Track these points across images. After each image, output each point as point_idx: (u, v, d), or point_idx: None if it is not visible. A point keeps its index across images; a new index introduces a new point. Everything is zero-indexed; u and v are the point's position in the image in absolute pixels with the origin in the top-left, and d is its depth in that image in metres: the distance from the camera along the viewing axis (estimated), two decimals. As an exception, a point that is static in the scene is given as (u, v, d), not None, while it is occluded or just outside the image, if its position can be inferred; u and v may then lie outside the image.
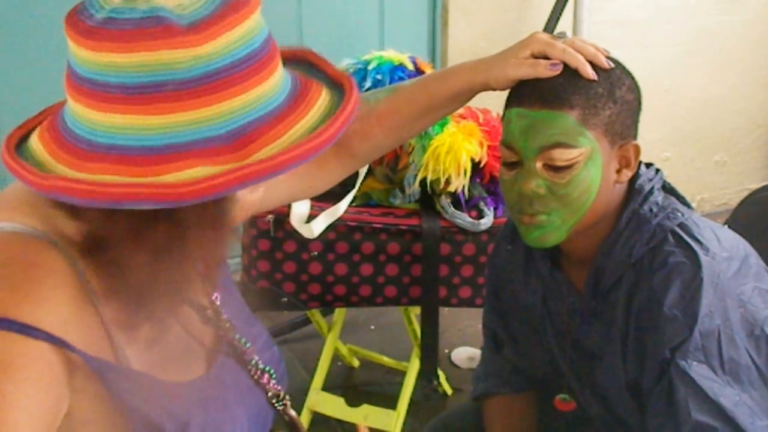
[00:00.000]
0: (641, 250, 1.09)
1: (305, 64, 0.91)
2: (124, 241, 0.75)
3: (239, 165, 0.73)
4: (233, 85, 0.73)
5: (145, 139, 0.72)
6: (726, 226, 1.51)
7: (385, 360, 2.33)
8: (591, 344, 1.17)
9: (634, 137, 1.09)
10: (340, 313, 2.07)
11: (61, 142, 0.76)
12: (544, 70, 1.03)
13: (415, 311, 1.97)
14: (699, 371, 1.01)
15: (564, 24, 2.57)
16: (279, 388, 0.99)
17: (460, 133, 1.79)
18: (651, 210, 1.10)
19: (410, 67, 1.83)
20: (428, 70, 1.87)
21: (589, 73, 1.02)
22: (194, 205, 0.73)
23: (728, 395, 1.01)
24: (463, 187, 1.79)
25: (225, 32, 0.72)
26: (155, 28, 0.70)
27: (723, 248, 1.07)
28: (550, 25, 2.49)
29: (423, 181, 1.79)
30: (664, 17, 3.10)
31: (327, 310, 2.15)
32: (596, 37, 2.84)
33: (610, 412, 1.19)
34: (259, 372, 0.97)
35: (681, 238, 1.07)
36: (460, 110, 1.84)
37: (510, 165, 1.08)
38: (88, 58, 0.72)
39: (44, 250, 0.76)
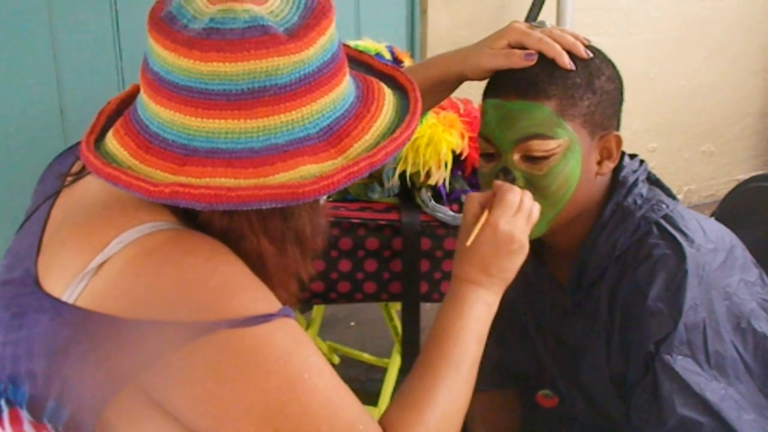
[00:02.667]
0: (625, 242, 1.08)
1: None
2: (254, 234, 0.81)
3: (346, 162, 0.79)
4: (322, 86, 0.79)
5: (246, 141, 0.76)
6: (713, 218, 1.49)
7: (366, 357, 2.31)
8: (574, 339, 1.16)
9: (617, 128, 1.08)
10: (318, 310, 2.04)
11: (147, 146, 0.79)
12: (518, 60, 1.02)
13: (396, 307, 1.95)
14: (684, 365, 1.00)
15: (547, 11, 2.53)
16: None
17: (440, 124, 1.76)
18: (635, 202, 1.09)
19: (387, 56, 1.81)
20: (406, 60, 1.84)
21: (566, 62, 1.00)
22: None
23: (714, 389, 1.00)
24: (444, 180, 1.76)
25: (320, 37, 0.78)
26: (261, 37, 0.75)
27: (708, 240, 1.06)
28: (533, 13, 2.46)
29: (402, 175, 1.75)
30: (651, 3, 3.07)
31: (305, 307, 2.11)
32: (581, 25, 2.83)
33: (595, 407, 1.17)
34: None
35: (665, 230, 1.06)
36: (440, 101, 1.81)
37: (488, 156, 1.07)
38: (187, 67, 0.75)
39: (214, 241, 0.80)
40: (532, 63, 1.01)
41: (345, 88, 0.83)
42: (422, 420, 0.87)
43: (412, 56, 2.48)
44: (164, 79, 0.77)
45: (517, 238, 0.96)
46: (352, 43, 1.81)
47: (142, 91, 0.82)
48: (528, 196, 0.99)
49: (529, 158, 1.01)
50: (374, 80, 0.91)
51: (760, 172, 1.53)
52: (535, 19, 2.46)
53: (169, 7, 0.79)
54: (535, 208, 0.99)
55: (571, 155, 1.01)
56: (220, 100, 0.75)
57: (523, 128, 1.00)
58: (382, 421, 0.87)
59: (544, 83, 1.00)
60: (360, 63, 0.97)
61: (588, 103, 1.01)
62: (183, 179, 0.76)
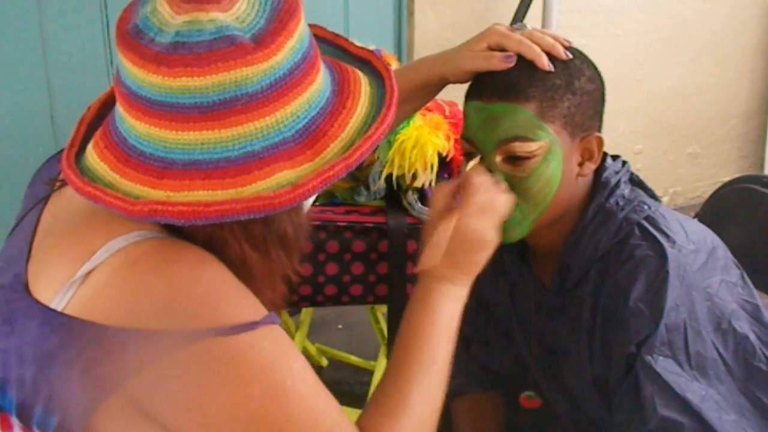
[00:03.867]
0: (607, 244, 1.08)
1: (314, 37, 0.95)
2: (236, 241, 0.81)
3: (321, 167, 0.78)
4: (295, 87, 0.78)
5: (222, 151, 0.76)
6: (696, 219, 1.50)
7: (353, 359, 2.31)
8: (558, 340, 1.15)
9: (598, 129, 1.08)
10: (307, 313, 2.04)
11: (127, 159, 0.79)
12: (498, 62, 1.02)
13: (382, 310, 1.95)
14: (665, 366, 1.00)
15: (533, 13, 2.54)
16: None
17: (426, 126, 1.76)
18: (617, 203, 1.09)
19: (374, 59, 1.79)
20: (393, 63, 1.84)
21: (545, 64, 1.01)
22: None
23: (695, 390, 1.00)
24: (430, 182, 1.76)
25: (288, 41, 0.77)
26: (228, 49, 0.74)
27: (690, 241, 1.06)
28: (519, 15, 2.46)
29: (389, 177, 1.75)
30: (637, 5, 3.08)
31: (294, 309, 2.11)
32: (567, 26, 2.84)
33: (577, 408, 1.17)
34: None
35: (647, 231, 1.06)
36: (426, 103, 1.80)
37: (470, 158, 1.07)
38: (157, 82, 0.75)
39: (199, 249, 0.80)
40: (511, 65, 1.01)
41: (319, 84, 0.82)
42: (400, 425, 0.86)
43: (399, 59, 2.48)
44: (137, 93, 0.77)
45: (486, 234, 0.95)
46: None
47: (118, 103, 0.81)
48: (498, 187, 0.98)
49: (511, 160, 1.01)
50: (350, 69, 0.90)
51: (744, 174, 1.54)
52: (521, 20, 2.47)
53: (135, 20, 0.78)
54: (504, 199, 0.98)
55: (552, 157, 1.01)
56: (192, 113, 0.75)
57: (504, 130, 1.00)
58: (361, 425, 0.87)
59: (524, 85, 1.00)
60: (336, 46, 0.96)
61: (568, 105, 1.01)
62: (162, 194, 0.77)
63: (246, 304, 0.78)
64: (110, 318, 0.74)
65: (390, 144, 1.74)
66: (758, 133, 3.51)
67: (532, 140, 1.00)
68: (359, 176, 1.83)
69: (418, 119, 1.76)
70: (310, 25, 0.94)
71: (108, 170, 0.80)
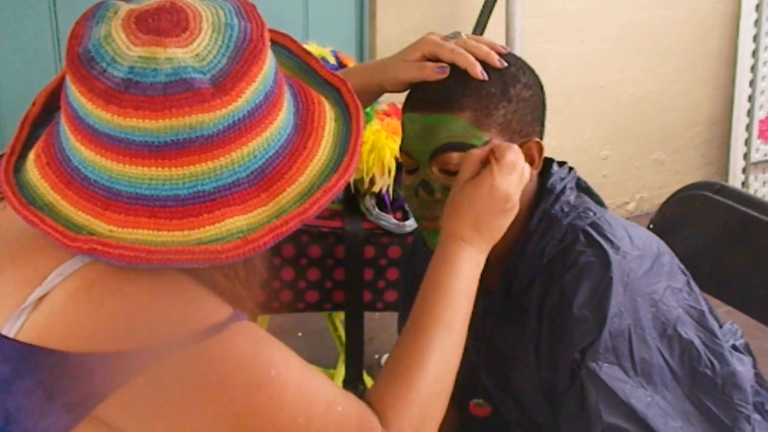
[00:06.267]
0: (553, 250, 1.08)
1: (282, 49, 0.91)
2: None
3: (274, 220, 0.74)
4: (254, 128, 0.75)
5: (171, 189, 0.73)
6: (651, 225, 1.50)
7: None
8: (506, 347, 1.15)
9: (539, 134, 1.08)
10: (263, 320, 2.01)
11: (69, 181, 0.76)
12: (431, 73, 1.01)
13: (340, 317, 1.93)
14: (610, 373, 1.00)
15: (496, 17, 2.54)
16: None
17: (384, 130, 1.76)
18: (562, 210, 1.09)
19: (332, 61, 1.80)
20: (351, 64, 1.82)
21: (479, 73, 1.00)
22: None
23: (640, 396, 1.00)
24: (388, 187, 1.75)
25: (250, 86, 0.73)
26: (184, 95, 0.70)
27: (635, 247, 1.06)
28: (482, 20, 2.47)
29: (346, 181, 1.74)
30: (600, 11, 3.08)
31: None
32: (530, 32, 2.85)
33: (527, 416, 1.17)
34: None
35: (592, 237, 1.06)
36: (384, 107, 1.80)
37: (410, 171, 1.07)
38: (107, 118, 0.71)
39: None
40: (445, 76, 1.00)
41: (281, 121, 0.78)
42: (414, 385, 0.86)
43: (360, 61, 2.47)
44: (83, 120, 0.73)
45: (512, 197, 0.97)
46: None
47: (63, 119, 0.77)
48: (521, 154, 0.99)
49: (447, 171, 1.01)
50: (316, 99, 0.85)
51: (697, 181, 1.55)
52: (484, 25, 2.47)
53: (87, 43, 0.73)
54: (527, 169, 1.00)
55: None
56: (142, 150, 0.71)
57: (439, 141, 1.00)
58: (372, 394, 0.86)
59: (458, 95, 1.00)
60: (306, 67, 0.91)
61: (504, 112, 1.01)
62: (105, 228, 0.74)
63: (210, 306, 0.76)
64: (70, 345, 0.72)
65: (347, 148, 1.72)
66: (722, 140, 3.54)
67: (467, 149, 0.99)
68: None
69: (375, 123, 1.75)
70: (281, 35, 0.91)
71: (49, 189, 0.77)
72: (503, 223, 0.98)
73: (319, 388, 0.80)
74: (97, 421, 0.73)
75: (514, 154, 0.97)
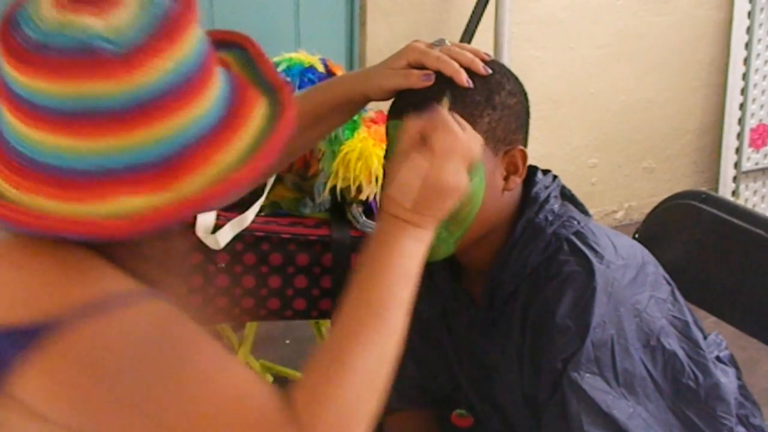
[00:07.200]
0: (536, 259, 1.07)
1: (240, 51, 0.90)
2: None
3: (168, 201, 0.74)
4: (166, 111, 0.74)
5: (75, 160, 0.73)
6: (637, 235, 1.50)
7: (299, 375, 2.26)
8: (489, 357, 1.14)
9: (523, 142, 1.07)
10: (251, 328, 2.00)
11: None
12: (416, 80, 1.01)
13: (327, 324, 1.92)
14: (592, 383, 1.00)
15: (485, 24, 2.54)
16: None
17: (371, 138, 1.74)
18: (546, 218, 1.08)
19: (321, 69, 1.78)
20: (339, 72, 1.82)
21: (464, 80, 1.00)
22: None
23: (622, 408, 1.00)
24: (375, 194, 1.74)
25: (157, 63, 0.73)
26: (86, 60, 0.71)
27: (619, 256, 1.06)
28: (471, 26, 2.46)
29: (333, 190, 1.73)
30: (590, 18, 3.08)
31: (237, 325, 2.08)
32: (519, 38, 2.85)
33: (509, 426, 1.16)
34: None
35: (576, 246, 1.06)
36: (371, 114, 1.79)
37: None
38: (20, 79, 0.72)
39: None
40: (430, 83, 1.00)
41: (201, 110, 0.77)
42: (333, 378, 0.77)
43: (350, 69, 2.47)
44: (5, 83, 0.74)
45: (450, 181, 0.88)
46: (287, 56, 1.79)
47: None
48: (467, 130, 0.92)
49: None
50: (255, 99, 0.84)
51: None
52: (473, 32, 2.47)
53: (19, 8, 0.75)
54: (467, 139, 0.91)
55: (474, 173, 0.99)
56: (50, 115, 0.72)
57: None
58: (294, 386, 0.78)
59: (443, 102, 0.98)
60: (257, 68, 0.90)
61: (489, 120, 1.01)
62: (20, 198, 0.75)
63: (113, 280, 0.76)
64: None
65: (334, 155, 1.72)
66: (713, 148, 3.54)
67: None
68: (304, 186, 1.81)
69: (362, 131, 1.74)
70: (240, 36, 0.91)
71: None
72: (447, 204, 0.89)
73: (230, 377, 0.75)
74: (8, 398, 0.73)
75: (447, 141, 0.89)
